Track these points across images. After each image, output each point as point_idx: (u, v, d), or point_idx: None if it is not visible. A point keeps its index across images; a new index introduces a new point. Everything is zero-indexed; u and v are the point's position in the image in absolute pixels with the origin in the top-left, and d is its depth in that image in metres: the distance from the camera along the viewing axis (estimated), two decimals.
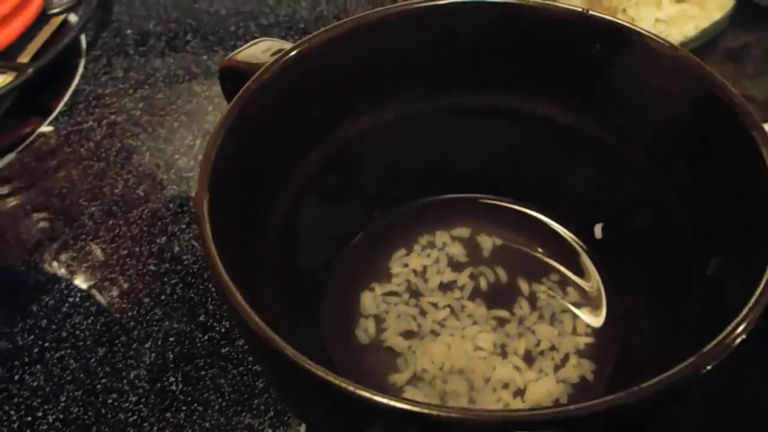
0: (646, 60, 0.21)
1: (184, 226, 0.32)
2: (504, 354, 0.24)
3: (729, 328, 0.15)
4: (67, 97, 0.39)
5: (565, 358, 0.24)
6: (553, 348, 0.24)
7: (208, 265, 0.16)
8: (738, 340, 0.15)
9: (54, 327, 0.28)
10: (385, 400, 0.14)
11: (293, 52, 0.21)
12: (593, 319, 0.25)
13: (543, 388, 0.23)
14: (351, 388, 0.14)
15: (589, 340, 0.24)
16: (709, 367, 0.15)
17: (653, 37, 0.21)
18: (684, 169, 0.21)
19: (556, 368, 0.24)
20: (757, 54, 0.40)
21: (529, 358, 0.24)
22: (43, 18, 0.41)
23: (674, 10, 0.35)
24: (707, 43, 0.37)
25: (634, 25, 0.21)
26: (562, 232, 0.27)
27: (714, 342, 0.15)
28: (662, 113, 0.22)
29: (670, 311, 0.21)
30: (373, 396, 0.14)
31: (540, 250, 0.27)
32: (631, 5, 0.35)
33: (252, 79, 0.20)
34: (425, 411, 0.14)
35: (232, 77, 0.23)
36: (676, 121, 0.21)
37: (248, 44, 0.24)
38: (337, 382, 0.15)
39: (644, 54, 0.21)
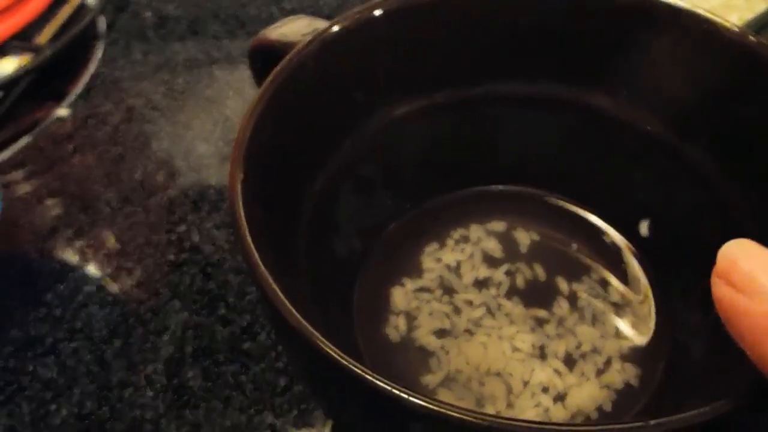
0: (713, 50, 0.20)
1: (204, 215, 0.30)
2: (543, 356, 0.23)
3: None
4: (84, 81, 0.38)
5: (608, 362, 0.22)
6: (595, 351, 0.23)
7: (243, 255, 0.15)
8: None
9: (68, 317, 0.27)
10: (422, 402, 0.13)
11: (334, 28, 0.20)
12: (638, 321, 0.23)
13: (585, 394, 0.22)
14: (388, 388, 0.13)
15: (633, 343, 0.23)
16: None
17: (724, 23, 0.19)
18: (751, 175, 0.20)
19: (599, 373, 0.22)
20: None
21: (569, 361, 0.22)
22: (60, 0, 0.40)
23: (718, 0, 0.33)
24: None
25: (701, 10, 0.20)
26: (604, 228, 0.25)
27: None
28: (729, 112, 0.20)
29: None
30: (411, 397, 0.13)
31: (580, 247, 0.25)
32: None
33: (288, 57, 0.19)
34: (466, 417, 0.13)
35: (264, 56, 0.22)
36: (739, 114, 0.20)
37: (281, 21, 0.23)
38: (373, 380, 0.13)
39: (711, 43, 0.20)
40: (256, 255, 0.15)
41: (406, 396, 0.13)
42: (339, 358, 0.14)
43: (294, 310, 0.14)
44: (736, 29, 0.20)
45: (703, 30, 0.20)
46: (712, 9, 0.34)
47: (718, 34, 0.20)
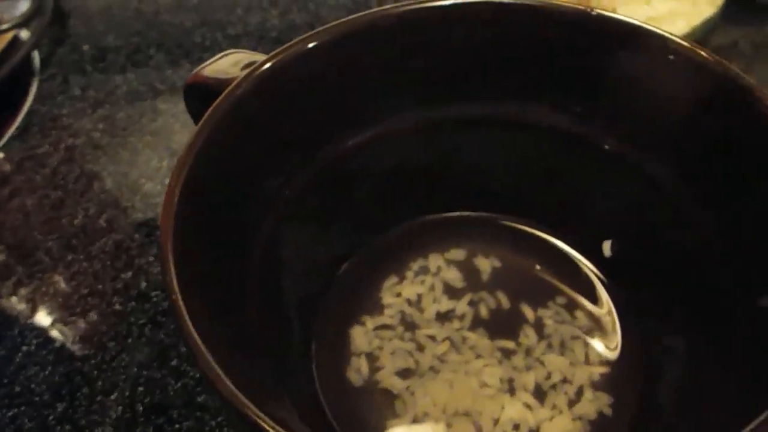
0: (664, 63, 0.19)
1: (152, 259, 0.29)
2: (512, 390, 0.22)
3: None
4: (19, 120, 0.35)
5: (580, 392, 0.22)
6: (565, 380, 0.22)
7: (177, 325, 0.14)
8: None
9: (6, 381, 0.25)
10: None
11: (268, 64, 0.19)
12: (607, 346, 0.23)
13: (558, 428, 0.21)
14: None
15: (604, 369, 0.22)
16: None
17: (673, 38, 0.19)
18: (715, 190, 0.19)
19: (571, 403, 0.21)
20: (746, 50, 0.39)
21: (540, 394, 0.22)
22: None
23: (665, 7, 0.33)
24: (697, 40, 0.36)
25: (652, 27, 0.19)
26: (565, 251, 0.25)
27: None
28: (685, 121, 0.20)
29: (705, 341, 0.19)
30: None
31: (543, 271, 0.24)
32: (621, 3, 0.33)
33: (222, 96, 0.18)
34: None
35: (199, 95, 0.20)
36: (701, 130, 0.19)
37: (215, 57, 0.21)
38: None
39: (660, 56, 0.19)
40: (189, 324, 0.13)
41: None
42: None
43: (225, 378, 0.13)
44: (692, 47, 0.19)
45: (660, 47, 0.19)
46: (660, 16, 0.34)
47: (674, 51, 0.19)
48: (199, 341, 0.13)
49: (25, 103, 0.37)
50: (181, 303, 0.14)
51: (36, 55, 0.39)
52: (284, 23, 0.40)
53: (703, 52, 0.19)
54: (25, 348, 0.26)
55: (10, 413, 0.24)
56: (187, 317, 0.14)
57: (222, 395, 0.13)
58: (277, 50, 0.19)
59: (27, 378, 0.25)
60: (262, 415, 0.13)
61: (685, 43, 0.20)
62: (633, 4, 0.33)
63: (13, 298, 0.28)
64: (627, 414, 0.21)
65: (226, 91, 0.18)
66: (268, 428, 0.13)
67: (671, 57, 0.20)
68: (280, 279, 0.22)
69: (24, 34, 0.39)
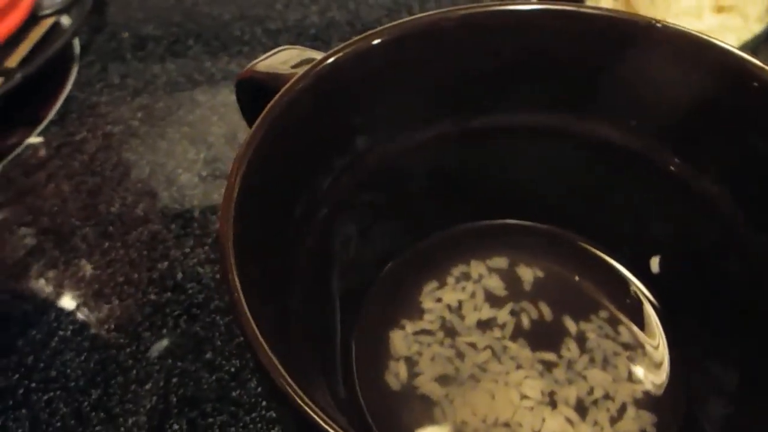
0: (725, 79, 0.19)
1: (187, 251, 0.29)
2: (553, 404, 0.21)
3: None
4: (58, 106, 0.36)
5: (622, 409, 0.21)
6: (607, 397, 0.21)
7: (236, 319, 0.14)
8: None
9: (42, 365, 0.25)
10: None
11: (328, 62, 0.18)
12: (651, 364, 0.22)
13: None
14: None
15: (648, 387, 0.22)
16: None
17: (739, 54, 0.19)
18: (765, 204, 0.19)
19: (613, 421, 0.21)
20: None
21: (581, 409, 0.21)
22: (32, 20, 0.38)
23: (715, 21, 0.33)
24: None
25: (718, 40, 0.19)
26: (611, 265, 0.24)
27: None
28: (742, 140, 0.19)
29: (758, 377, 0.18)
30: None
31: (586, 284, 0.24)
32: (670, 16, 0.33)
33: (281, 93, 0.18)
34: None
35: (252, 90, 0.20)
36: (759, 151, 0.19)
37: (268, 54, 0.21)
38: None
39: (722, 73, 0.19)
40: (253, 324, 0.13)
41: None
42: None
43: (286, 375, 0.13)
44: (759, 64, 0.19)
45: (724, 63, 0.19)
46: (709, 30, 0.34)
47: (739, 68, 0.19)
48: (258, 335, 0.13)
49: (64, 89, 0.37)
50: (243, 301, 0.14)
51: (76, 42, 0.39)
52: (323, 20, 0.40)
53: (764, 66, 0.18)
54: (60, 333, 0.26)
55: (45, 397, 0.24)
56: (247, 312, 0.13)
57: (278, 388, 0.13)
58: (337, 48, 0.19)
59: (62, 363, 0.25)
60: (318, 411, 0.12)
61: (751, 59, 0.19)
62: (683, 16, 0.32)
63: (49, 282, 0.28)
64: None
65: (285, 86, 0.18)
66: (323, 424, 0.12)
67: (735, 73, 0.19)
68: (326, 276, 0.22)
69: (65, 20, 0.39)
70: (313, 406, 0.13)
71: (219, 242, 0.15)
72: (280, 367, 0.13)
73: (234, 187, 0.16)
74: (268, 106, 0.18)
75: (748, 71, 0.19)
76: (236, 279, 0.14)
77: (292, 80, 0.18)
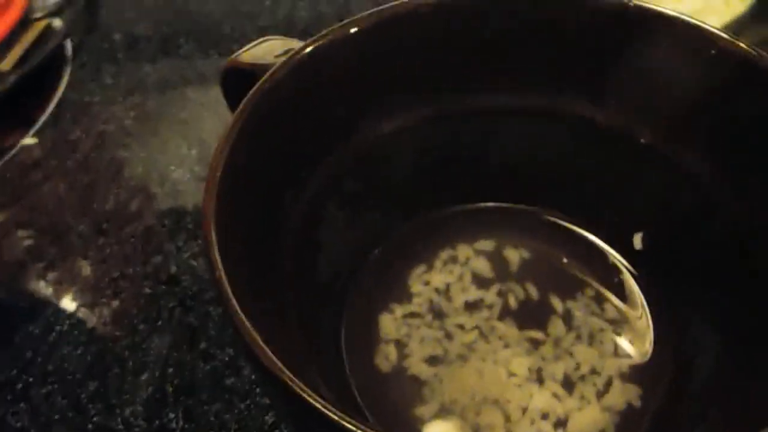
0: (703, 56, 0.19)
1: (181, 244, 0.29)
2: (541, 380, 0.22)
3: None
4: (52, 107, 0.36)
5: (609, 383, 0.22)
6: (594, 371, 0.22)
7: (220, 298, 0.14)
8: None
9: (40, 359, 0.25)
10: None
11: (307, 50, 0.19)
12: (636, 338, 0.22)
13: (587, 418, 0.21)
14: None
15: (633, 361, 0.22)
16: None
17: (716, 31, 0.19)
18: (746, 173, 0.19)
19: (599, 394, 0.21)
20: None
21: (568, 384, 0.22)
22: (25, 22, 0.38)
23: (698, 3, 0.33)
24: None
25: (693, 19, 0.19)
26: (596, 243, 0.25)
27: None
28: (722, 113, 0.20)
29: (739, 334, 0.19)
30: None
31: (572, 262, 0.24)
32: None
33: (262, 81, 0.18)
34: None
35: (236, 80, 0.21)
36: (739, 122, 0.19)
37: (252, 44, 0.22)
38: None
39: (700, 49, 0.19)
40: (234, 302, 0.13)
41: None
42: (321, 408, 0.13)
43: (276, 359, 0.13)
44: (725, 35, 0.19)
45: (691, 36, 0.19)
46: (692, 12, 0.34)
47: (705, 39, 0.19)
48: (242, 315, 0.13)
49: (58, 90, 0.37)
50: (224, 279, 0.14)
51: (69, 44, 0.40)
52: (313, 14, 0.41)
53: (745, 46, 0.19)
54: (58, 328, 0.26)
55: (44, 390, 0.24)
56: (229, 291, 0.14)
57: (264, 366, 0.13)
58: (316, 36, 0.20)
59: (60, 357, 0.25)
60: (307, 389, 0.13)
61: (728, 37, 0.19)
62: None
63: (46, 279, 0.28)
64: (655, 405, 0.21)
65: (266, 75, 0.19)
66: (315, 403, 0.13)
67: (712, 51, 0.20)
68: (313, 261, 0.22)
69: (57, 22, 0.40)
70: (300, 384, 0.13)
71: (202, 221, 0.15)
72: (266, 347, 0.14)
73: (218, 166, 0.16)
74: (250, 92, 0.18)
75: (726, 49, 0.20)
76: (217, 256, 0.14)
77: (272, 68, 0.19)
